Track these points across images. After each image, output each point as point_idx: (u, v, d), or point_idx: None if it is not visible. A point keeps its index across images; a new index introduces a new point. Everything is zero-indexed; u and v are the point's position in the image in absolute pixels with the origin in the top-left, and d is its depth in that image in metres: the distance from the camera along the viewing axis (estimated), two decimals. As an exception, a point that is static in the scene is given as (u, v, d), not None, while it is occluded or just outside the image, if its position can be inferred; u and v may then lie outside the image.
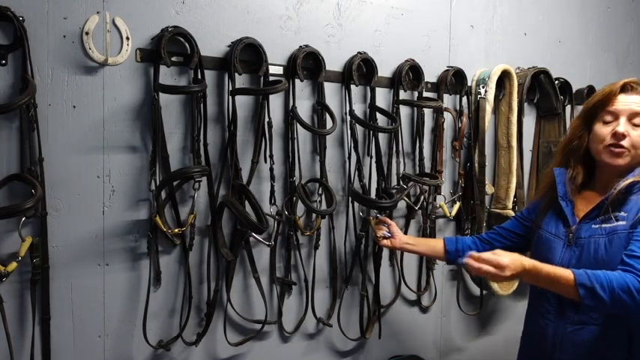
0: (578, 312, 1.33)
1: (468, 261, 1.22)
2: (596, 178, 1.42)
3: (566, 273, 1.20)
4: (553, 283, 1.22)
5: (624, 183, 1.28)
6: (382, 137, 1.97)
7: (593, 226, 1.33)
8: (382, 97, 1.97)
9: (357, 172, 1.87)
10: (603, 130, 1.35)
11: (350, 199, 1.88)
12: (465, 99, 2.18)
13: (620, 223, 1.27)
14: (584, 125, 1.43)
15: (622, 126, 1.31)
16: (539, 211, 1.53)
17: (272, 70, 1.69)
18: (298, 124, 1.72)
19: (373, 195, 1.93)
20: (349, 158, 1.88)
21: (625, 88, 1.37)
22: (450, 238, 1.73)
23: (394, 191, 1.93)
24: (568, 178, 1.44)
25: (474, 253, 1.23)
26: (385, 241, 1.74)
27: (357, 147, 1.85)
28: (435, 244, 1.74)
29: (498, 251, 1.23)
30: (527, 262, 1.21)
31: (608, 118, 1.35)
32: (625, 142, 1.31)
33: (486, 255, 1.21)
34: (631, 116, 1.32)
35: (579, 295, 1.17)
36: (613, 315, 1.29)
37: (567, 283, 1.19)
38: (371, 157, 1.92)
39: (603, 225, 1.30)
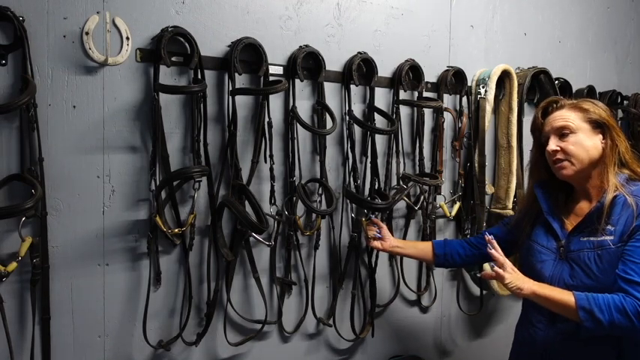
0: (569, 322, 1.36)
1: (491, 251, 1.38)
2: (575, 189, 1.47)
3: (568, 296, 1.28)
4: (554, 305, 1.29)
5: (608, 198, 1.33)
6: (382, 137, 1.96)
7: (582, 238, 1.37)
8: (382, 97, 1.97)
9: (352, 173, 1.87)
10: (546, 153, 1.45)
11: (347, 199, 1.88)
12: (465, 99, 2.18)
13: (608, 237, 1.31)
14: (540, 151, 1.50)
15: (550, 145, 1.41)
16: (524, 224, 1.54)
17: (272, 70, 1.69)
18: (298, 124, 1.72)
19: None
20: (348, 158, 1.88)
21: (546, 111, 1.47)
22: (439, 242, 1.76)
23: (394, 191, 1.94)
24: (551, 196, 1.49)
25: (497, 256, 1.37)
26: (376, 243, 1.75)
27: (353, 147, 1.85)
28: (424, 248, 1.77)
29: (508, 266, 1.35)
30: (529, 287, 1.31)
31: (545, 140, 1.45)
32: (560, 156, 1.39)
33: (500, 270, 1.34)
34: (556, 131, 1.41)
35: (579, 317, 1.25)
36: None
37: (569, 306, 1.27)
38: (366, 158, 1.92)
39: (591, 238, 1.35)
